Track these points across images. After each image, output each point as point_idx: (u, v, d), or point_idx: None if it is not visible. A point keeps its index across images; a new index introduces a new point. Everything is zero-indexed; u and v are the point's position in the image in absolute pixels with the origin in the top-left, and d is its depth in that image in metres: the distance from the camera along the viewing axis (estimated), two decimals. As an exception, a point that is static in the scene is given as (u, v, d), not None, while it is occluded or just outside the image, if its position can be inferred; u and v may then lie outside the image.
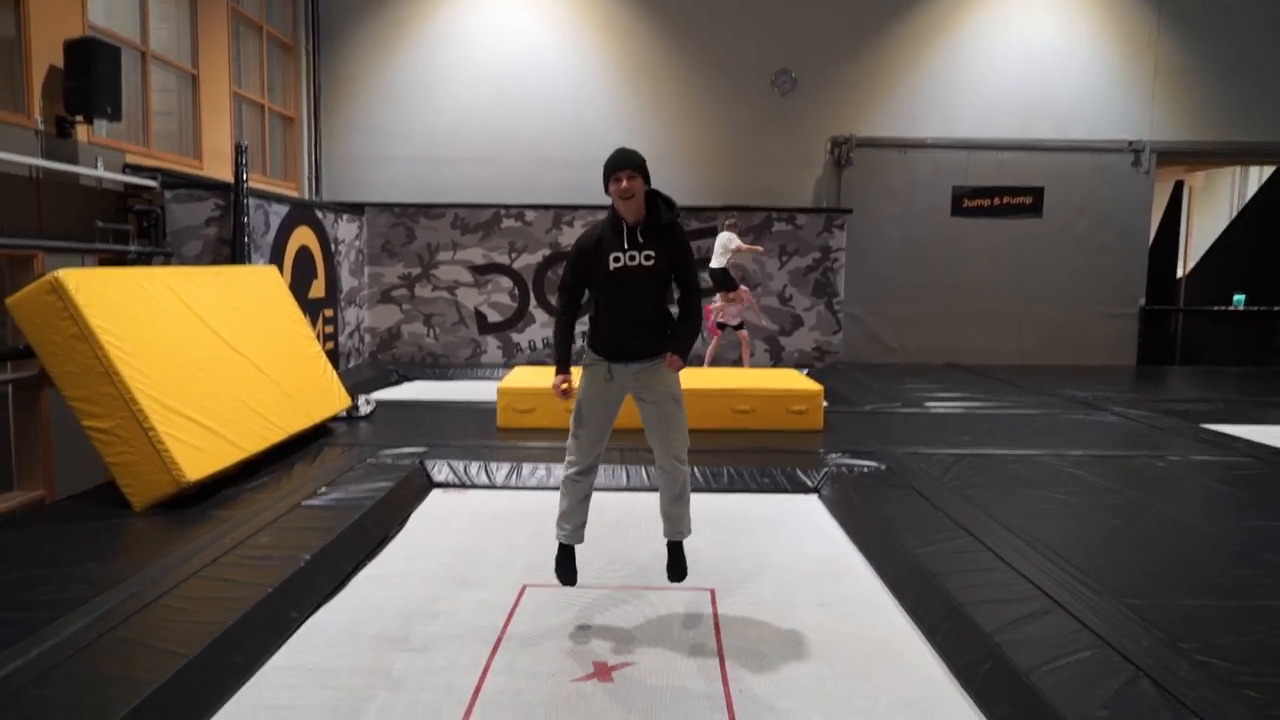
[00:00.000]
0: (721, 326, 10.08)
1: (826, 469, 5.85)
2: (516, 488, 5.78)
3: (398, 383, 10.35)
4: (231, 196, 7.93)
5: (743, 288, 10.00)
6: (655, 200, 3.33)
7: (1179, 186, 14.21)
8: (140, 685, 2.71)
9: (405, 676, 3.18)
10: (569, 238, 11.57)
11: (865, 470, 5.82)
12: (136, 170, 7.56)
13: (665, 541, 3.72)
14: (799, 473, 5.86)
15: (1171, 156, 12.58)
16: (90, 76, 6.59)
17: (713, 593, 4.01)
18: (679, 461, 3.46)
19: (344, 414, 7.19)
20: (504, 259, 11.62)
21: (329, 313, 10.10)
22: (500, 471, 5.86)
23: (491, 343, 11.71)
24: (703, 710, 2.99)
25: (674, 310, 3.56)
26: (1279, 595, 3.68)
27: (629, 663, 3.29)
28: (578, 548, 3.73)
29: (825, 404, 7.38)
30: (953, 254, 12.31)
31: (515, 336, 11.70)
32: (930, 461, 6.02)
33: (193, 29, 9.00)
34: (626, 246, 3.27)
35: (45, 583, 3.54)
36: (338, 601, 3.88)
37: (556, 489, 5.53)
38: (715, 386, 7.22)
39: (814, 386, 7.36)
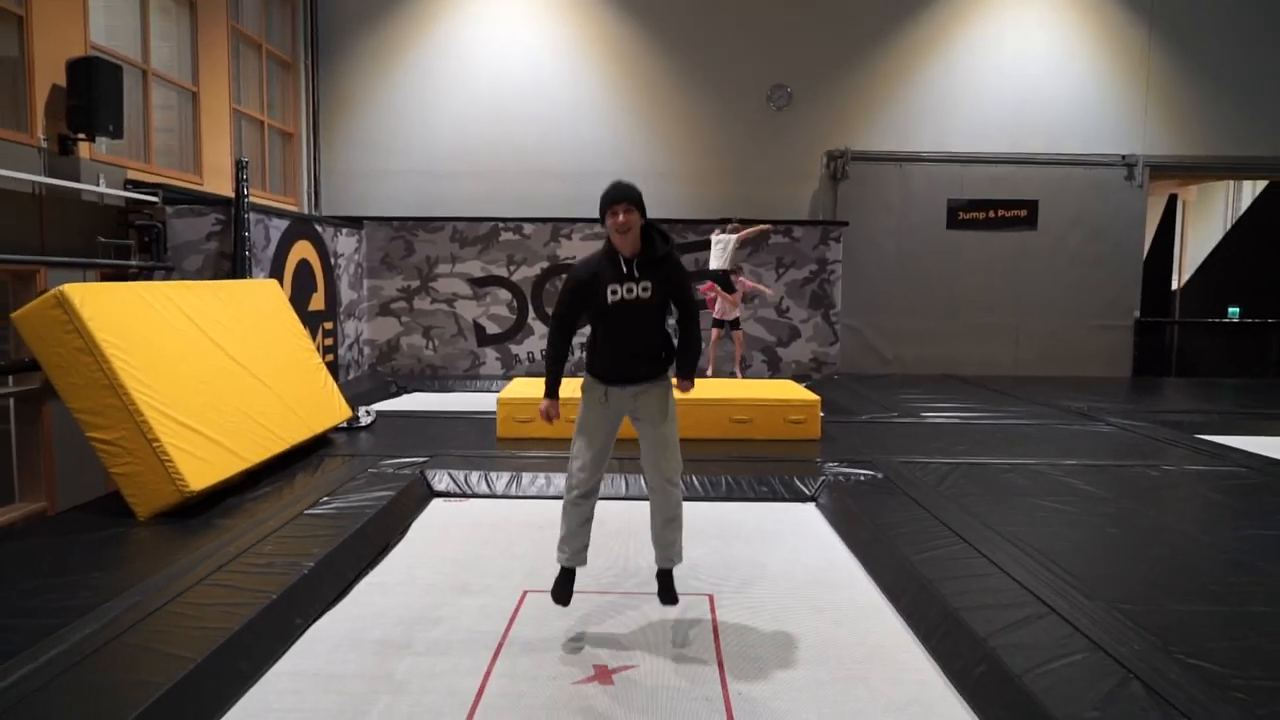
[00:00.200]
0: (719, 324, 10.16)
1: (824, 478, 5.90)
2: (517, 496, 5.82)
3: (397, 394, 10.39)
4: (232, 211, 8.01)
5: (741, 278, 10.08)
6: (651, 233, 3.35)
7: (1173, 200, 14.34)
8: (148, 689, 2.75)
9: (408, 680, 3.22)
10: (567, 250, 11.66)
11: (862, 479, 5.87)
12: (138, 186, 7.64)
13: (656, 570, 3.67)
14: (796, 481, 5.91)
15: (1165, 170, 12.70)
16: (92, 95, 6.68)
17: (711, 599, 4.06)
18: (671, 484, 3.45)
19: (344, 425, 7.24)
20: (502, 271, 11.70)
21: (328, 325, 10.16)
22: (500, 481, 5.90)
23: (490, 354, 11.77)
24: (702, 711, 3.03)
25: (672, 326, 3.57)
26: (1271, 602, 3.73)
27: (629, 666, 3.34)
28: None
29: (822, 414, 7.44)
30: (948, 266, 12.40)
31: (514, 348, 11.76)
32: (926, 470, 6.08)
33: (193, 47, 9.10)
34: (624, 279, 3.28)
35: (52, 590, 3.58)
36: (341, 609, 3.93)
37: (556, 498, 5.61)
38: (713, 397, 7.28)
39: (811, 397, 7.42)
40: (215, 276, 7.82)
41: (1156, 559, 4.33)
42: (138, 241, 7.61)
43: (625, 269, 3.27)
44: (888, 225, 12.38)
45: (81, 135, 6.81)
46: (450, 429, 7.55)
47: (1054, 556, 4.22)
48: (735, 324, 10.16)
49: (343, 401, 7.24)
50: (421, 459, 6.21)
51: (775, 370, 11.67)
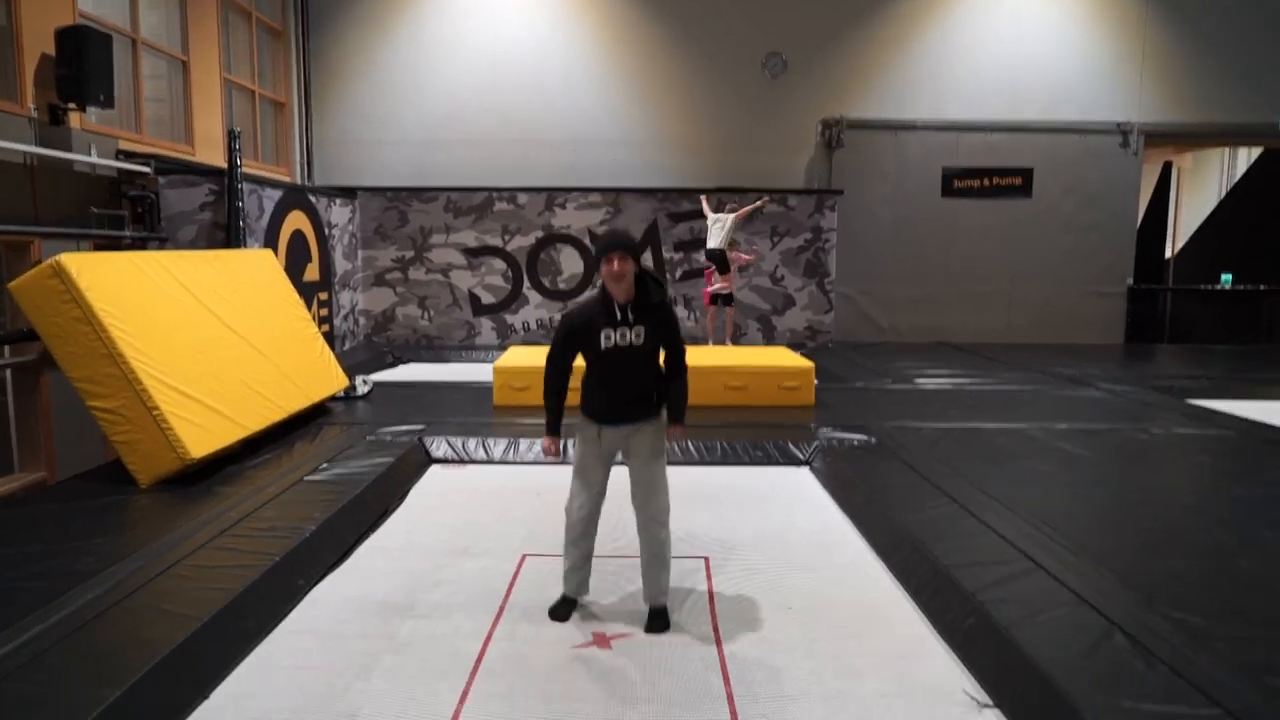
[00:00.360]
0: (714, 300, 10.21)
1: (818, 442, 5.97)
2: (514, 463, 5.89)
3: (393, 364, 10.43)
4: (225, 182, 7.98)
5: (735, 253, 10.12)
6: (644, 280, 3.39)
7: (1168, 167, 14.32)
8: (156, 647, 2.82)
9: (411, 641, 3.29)
10: (561, 220, 11.64)
11: (855, 443, 5.94)
12: (130, 156, 7.60)
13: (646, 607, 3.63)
14: (791, 446, 5.98)
15: (1159, 138, 12.67)
16: (82, 64, 6.62)
17: (707, 561, 4.14)
18: (658, 524, 3.50)
19: (342, 394, 7.29)
20: (497, 241, 11.69)
21: (324, 296, 10.17)
22: (497, 447, 5.96)
23: (486, 324, 11.79)
24: (698, 671, 3.11)
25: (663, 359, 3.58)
26: (1253, 558, 3.82)
27: (626, 634, 3.40)
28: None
29: (816, 381, 7.50)
30: (943, 234, 12.41)
31: (509, 318, 11.78)
32: (919, 435, 6.15)
33: (182, 15, 9.00)
34: (618, 325, 3.34)
35: (58, 555, 3.64)
36: (343, 572, 3.99)
37: (552, 463, 5.69)
38: (709, 364, 7.33)
39: (805, 363, 7.48)
40: (209, 247, 7.81)
41: (1143, 518, 4.42)
42: (131, 212, 7.58)
43: (619, 315, 3.33)
44: (883, 193, 12.37)
45: (72, 105, 6.76)
46: (447, 397, 7.60)
47: (1043, 516, 4.30)
48: (729, 299, 10.20)
49: (340, 370, 7.28)
50: (419, 427, 6.27)
51: (770, 339, 11.72)
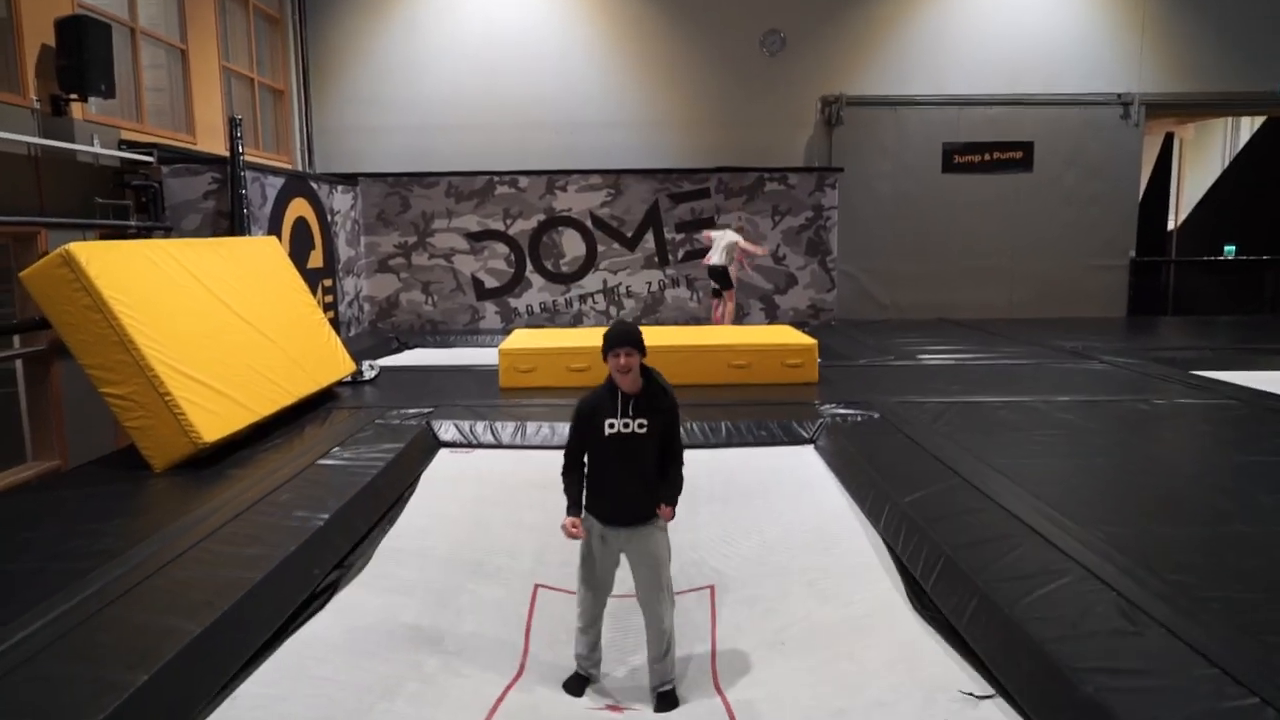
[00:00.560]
0: (717, 294, 10.32)
1: (822, 420, 6.02)
2: (522, 446, 5.93)
3: (398, 350, 10.49)
4: (228, 170, 8.01)
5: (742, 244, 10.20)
6: (651, 376, 3.48)
7: (1169, 139, 14.27)
8: (181, 632, 2.88)
9: (435, 674, 3.34)
10: (563, 203, 11.66)
11: (859, 420, 5.99)
12: (132, 146, 7.64)
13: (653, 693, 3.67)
14: (795, 425, 6.02)
15: (1161, 108, 12.63)
16: (83, 54, 6.65)
17: (712, 590, 4.13)
18: (663, 622, 3.57)
19: (349, 379, 7.35)
20: (499, 225, 11.72)
21: (328, 282, 10.22)
22: (505, 430, 6.02)
23: (489, 308, 11.84)
24: (704, 706, 3.18)
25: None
26: (1252, 522, 3.87)
27: (637, 709, 3.41)
28: None
29: (819, 359, 7.54)
30: (944, 210, 12.41)
31: (513, 301, 11.83)
32: (922, 410, 6.19)
33: (179, 4, 9.01)
34: (620, 414, 3.42)
35: (79, 537, 3.72)
36: (366, 579, 3.97)
37: (559, 447, 5.71)
38: (712, 343, 7.38)
39: (808, 341, 7.52)
40: (214, 235, 7.86)
41: (1144, 486, 4.47)
42: (135, 202, 7.63)
43: (623, 405, 3.40)
44: (883, 170, 12.36)
45: (74, 95, 6.80)
46: (453, 381, 7.66)
47: (1044, 487, 4.35)
48: (728, 283, 10.25)
49: (346, 355, 7.34)
50: (426, 410, 6.32)
51: (773, 318, 11.76)
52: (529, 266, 11.79)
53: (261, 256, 6.92)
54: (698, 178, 11.64)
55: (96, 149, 7.14)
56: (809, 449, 5.83)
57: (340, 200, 10.91)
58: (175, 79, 9.05)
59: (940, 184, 12.41)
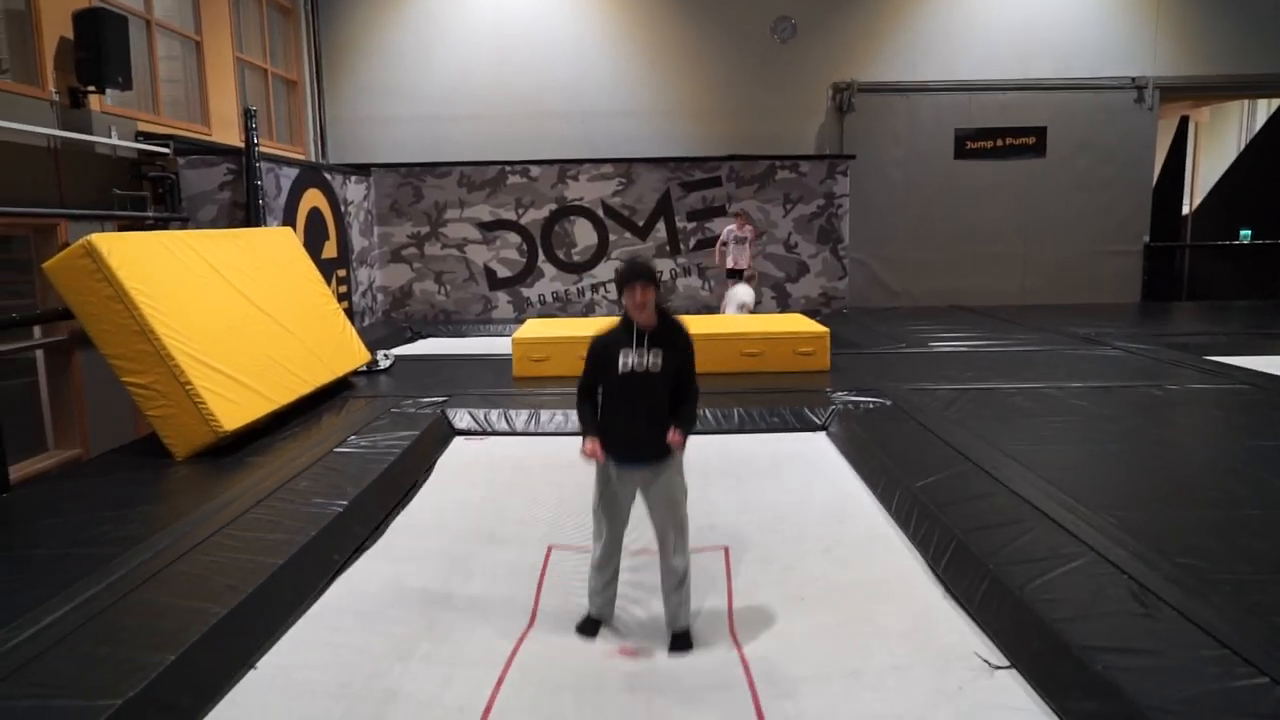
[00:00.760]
0: (730, 274, 10.35)
1: (834, 407, 6.05)
2: (536, 433, 6.00)
3: (412, 339, 10.56)
4: (243, 161, 8.08)
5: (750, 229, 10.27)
6: (666, 314, 3.49)
7: (1184, 122, 14.14)
8: (206, 614, 2.96)
9: (448, 632, 3.40)
10: (574, 192, 11.69)
11: (871, 406, 6.02)
12: (149, 138, 7.71)
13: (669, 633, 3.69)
14: (807, 411, 6.06)
15: (1176, 92, 12.53)
16: (100, 46, 6.71)
17: (726, 551, 4.17)
18: (679, 558, 3.58)
19: (364, 368, 7.42)
20: (511, 215, 11.76)
21: (342, 273, 10.29)
22: (519, 418, 6.08)
23: (502, 298, 11.90)
24: (719, 657, 3.23)
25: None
26: (1263, 505, 3.89)
27: (652, 647, 3.44)
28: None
29: (831, 347, 7.55)
30: (957, 197, 12.36)
31: (525, 291, 11.88)
32: (934, 397, 6.21)
33: (194, -5, 9.06)
34: (635, 348, 3.43)
35: (105, 523, 3.80)
36: (378, 552, 4.07)
37: (573, 433, 5.78)
38: (724, 331, 7.41)
39: (820, 328, 7.54)
40: (229, 226, 7.93)
41: (1156, 471, 4.49)
42: (152, 193, 7.70)
43: (638, 339, 3.42)
44: (895, 157, 12.32)
45: (91, 87, 6.86)
46: (467, 370, 7.72)
47: (1056, 472, 4.37)
48: (742, 275, 10.32)
49: (361, 345, 7.41)
50: (441, 399, 6.39)
51: (785, 306, 11.76)
52: (541, 256, 11.83)
53: (277, 247, 6.99)
54: (709, 166, 11.64)
55: (114, 140, 7.22)
56: (821, 435, 5.87)
57: (353, 190, 10.97)
58: (190, 70, 9.11)
59: (952, 170, 12.36)
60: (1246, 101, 14.93)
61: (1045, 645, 2.80)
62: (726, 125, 12.15)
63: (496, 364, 7.83)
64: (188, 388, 4.82)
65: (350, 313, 10.32)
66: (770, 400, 6.25)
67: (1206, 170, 15.32)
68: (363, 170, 11.45)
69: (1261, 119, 14.33)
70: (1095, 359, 7.79)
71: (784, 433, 5.94)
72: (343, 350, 6.97)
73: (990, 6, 12.17)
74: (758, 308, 11.20)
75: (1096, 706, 2.49)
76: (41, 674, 2.58)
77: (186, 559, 3.43)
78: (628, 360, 3.39)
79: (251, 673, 2.96)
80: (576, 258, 11.85)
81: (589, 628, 3.62)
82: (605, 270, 11.81)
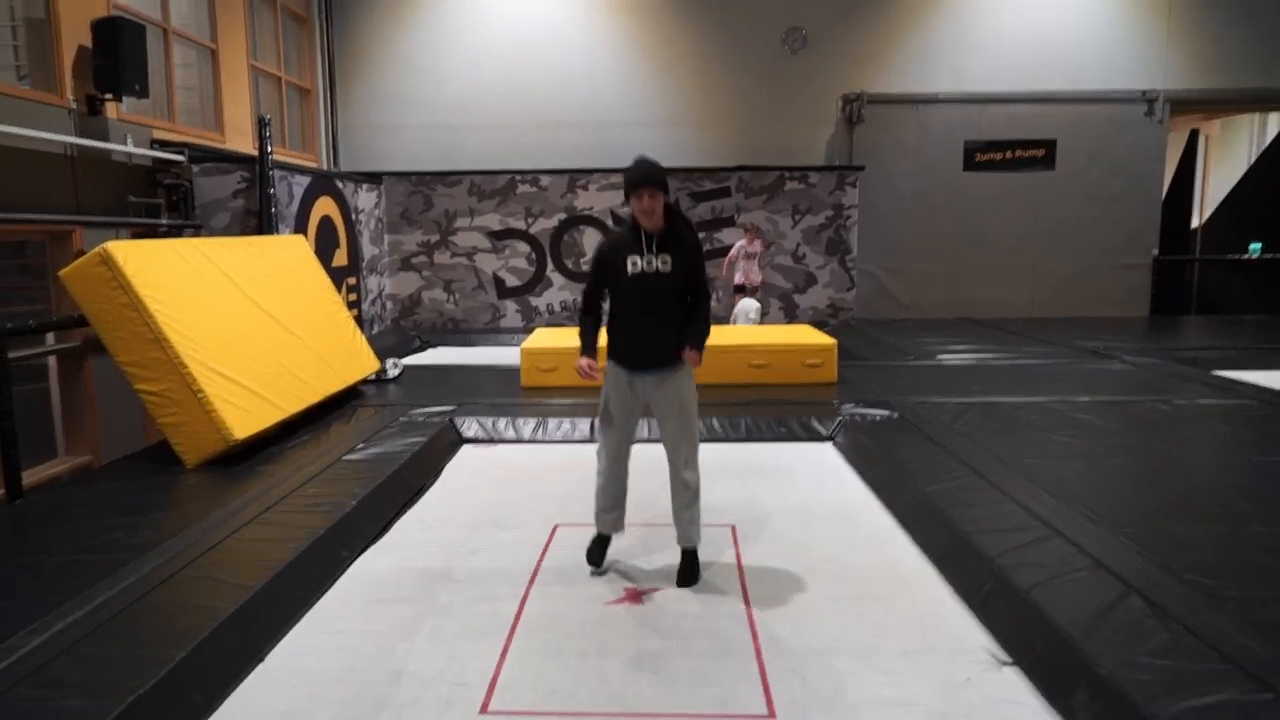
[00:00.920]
0: (739, 289, 10.39)
1: (840, 418, 6.07)
2: (543, 441, 6.04)
3: (421, 348, 10.62)
4: (256, 169, 8.16)
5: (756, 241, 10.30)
6: (675, 216, 3.46)
7: (1194, 135, 14.13)
8: (216, 612, 3.00)
9: (451, 605, 3.46)
10: (584, 202, 11.74)
11: (878, 418, 6.03)
12: (164, 145, 7.79)
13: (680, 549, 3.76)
14: (814, 422, 6.09)
15: (1186, 105, 12.53)
16: (118, 54, 6.80)
17: (734, 529, 4.27)
18: (690, 470, 3.58)
19: (373, 377, 7.47)
20: (520, 224, 11.82)
21: (352, 281, 10.36)
22: (527, 427, 6.11)
23: (510, 307, 11.95)
24: (728, 626, 3.25)
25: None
26: (1269, 522, 3.88)
27: (657, 589, 3.57)
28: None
29: (839, 358, 7.57)
30: (966, 209, 12.38)
31: (534, 300, 11.93)
32: (941, 409, 6.22)
33: (209, 4, 9.16)
34: (644, 252, 3.41)
35: (118, 529, 3.84)
36: (382, 545, 4.17)
37: (582, 441, 5.85)
38: (733, 342, 7.43)
39: (828, 340, 7.56)
40: (243, 233, 8.01)
41: (1162, 485, 4.49)
42: (166, 200, 7.79)
43: (646, 243, 3.40)
44: (904, 169, 12.35)
45: (109, 95, 6.95)
46: (475, 380, 7.76)
47: (1063, 485, 4.38)
48: (754, 290, 10.36)
49: (371, 354, 7.46)
50: (449, 408, 6.43)
51: (792, 317, 11.79)
52: (550, 265, 11.88)
53: (290, 255, 7.05)
54: (718, 176, 11.68)
55: (130, 148, 7.30)
56: (828, 445, 5.89)
57: (365, 199, 11.05)
58: (205, 78, 9.21)
59: (961, 182, 12.38)
60: (1257, 115, 14.91)
61: (1051, 646, 2.83)
62: (736, 135, 12.21)
63: (505, 373, 7.87)
64: (200, 395, 4.87)
65: (360, 321, 10.38)
66: (778, 411, 6.28)
67: (1216, 183, 15.28)
68: (374, 178, 11.54)
69: (1272, 132, 14.30)
70: (1103, 373, 7.79)
71: (791, 442, 5.97)
72: (353, 359, 7.02)
73: (1000, 19, 12.21)
74: (764, 319, 11.23)
75: (1101, 708, 2.52)
76: (54, 675, 2.61)
77: (197, 563, 3.47)
78: (636, 264, 3.37)
79: (260, 666, 3.01)
80: (585, 267, 11.89)
81: (597, 552, 3.65)
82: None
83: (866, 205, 11.94)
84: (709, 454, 3.84)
